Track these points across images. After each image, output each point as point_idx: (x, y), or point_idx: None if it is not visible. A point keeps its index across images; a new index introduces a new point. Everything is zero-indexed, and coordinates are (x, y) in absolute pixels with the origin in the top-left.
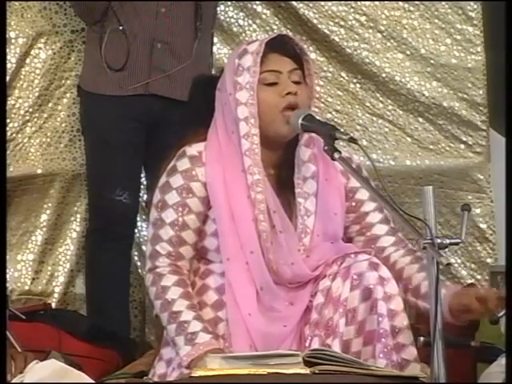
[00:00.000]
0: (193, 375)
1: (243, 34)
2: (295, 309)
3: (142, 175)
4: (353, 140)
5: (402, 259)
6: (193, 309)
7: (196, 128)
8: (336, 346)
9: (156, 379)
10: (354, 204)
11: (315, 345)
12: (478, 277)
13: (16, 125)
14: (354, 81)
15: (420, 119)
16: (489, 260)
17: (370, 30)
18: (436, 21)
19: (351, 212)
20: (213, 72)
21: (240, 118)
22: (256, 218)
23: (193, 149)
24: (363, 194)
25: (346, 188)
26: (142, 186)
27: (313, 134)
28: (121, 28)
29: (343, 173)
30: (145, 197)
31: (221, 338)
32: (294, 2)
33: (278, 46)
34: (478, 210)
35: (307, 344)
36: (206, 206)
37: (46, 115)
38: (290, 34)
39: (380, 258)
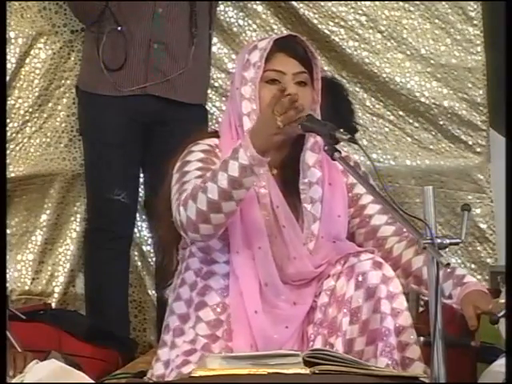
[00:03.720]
0: (193, 375)
1: (243, 34)
2: (298, 309)
3: (142, 175)
4: (353, 140)
5: (407, 251)
6: None
7: (199, 128)
8: (339, 345)
9: (154, 380)
10: (352, 198)
11: (318, 344)
12: (478, 277)
13: (16, 125)
14: (355, 81)
15: (420, 119)
16: (489, 260)
17: (370, 31)
18: (436, 21)
19: (350, 206)
20: (211, 72)
21: (244, 112)
22: (260, 212)
23: (205, 142)
24: (361, 189)
25: (346, 185)
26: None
27: (318, 139)
28: (118, 28)
29: (342, 171)
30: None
31: (221, 339)
32: (294, 2)
33: (286, 46)
34: (478, 210)
35: (310, 344)
36: None
37: (45, 115)
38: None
39: (383, 249)
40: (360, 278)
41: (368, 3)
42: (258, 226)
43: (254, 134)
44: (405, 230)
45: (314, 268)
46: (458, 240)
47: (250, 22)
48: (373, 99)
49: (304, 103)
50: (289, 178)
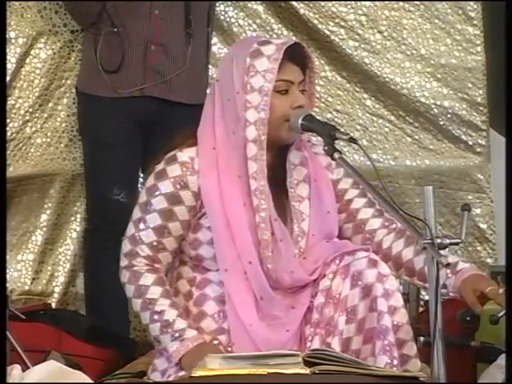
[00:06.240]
0: (193, 375)
1: (243, 34)
2: (296, 312)
3: (141, 175)
4: (353, 140)
5: (397, 243)
6: (174, 307)
7: (187, 130)
8: (336, 345)
9: None
10: (338, 194)
11: (316, 344)
12: None
13: (16, 125)
14: (354, 81)
15: (420, 119)
16: (489, 260)
17: (370, 31)
18: (436, 21)
19: (337, 202)
20: (212, 72)
21: (250, 121)
22: (257, 225)
23: (184, 154)
24: (345, 183)
25: (332, 181)
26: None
27: (303, 137)
28: (115, 30)
29: (327, 167)
30: None
31: (222, 348)
32: (294, 2)
33: (293, 54)
34: (478, 210)
35: (308, 344)
36: (192, 214)
37: (46, 115)
38: (286, 33)
39: (373, 243)
40: (355, 277)
41: (368, 3)
42: (247, 241)
43: (190, 360)
44: (391, 219)
45: (309, 275)
46: (458, 240)
47: (250, 21)
48: (373, 99)
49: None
50: (277, 178)
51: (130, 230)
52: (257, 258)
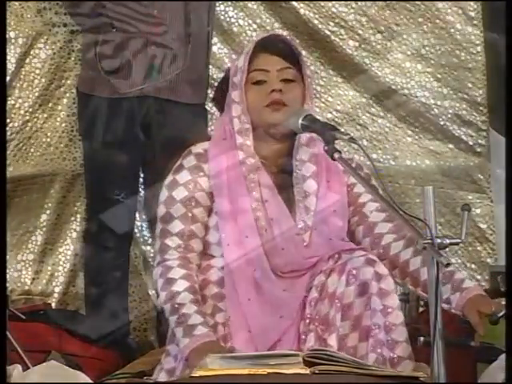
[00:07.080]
0: (193, 375)
1: (243, 34)
2: (290, 297)
3: (141, 175)
4: (353, 140)
5: (405, 251)
6: (196, 303)
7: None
8: (333, 341)
9: (164, 374)
10: (352, 197)
11: (311, 340)
12: (478, 277)
13: (16, 125)
14: (355, 81)
15: (420, 119)
16: (489, 260)
17: (371, 31)
18: (436, 21)
19: (350, 205)
20: (212, 72)
21: (234, 115)
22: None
23: (198, 147)
24: (360, 187)
25: (347, 184)
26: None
27: (314, 135)
28: (115, 31)
29: (344, 171)
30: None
31: (221, 325)
32: (294, 2)
33: (267, 44)
34: (478, 210)
35: (303, 339)
36: (211, 200)
37: (46, 115)
38: (286, 33)
39: (379, 246)
40: (352, 274)
41: (368, 3)
42: (246, 218)
43: (196, 357)
44: (402, 227)
45: (304, 259)
46: (458, 240)
47: (250, 21)
48: (373, 99)
49: (289, 99)
50: (285, 171)
51: (158, 227)
52: (256, 232)
